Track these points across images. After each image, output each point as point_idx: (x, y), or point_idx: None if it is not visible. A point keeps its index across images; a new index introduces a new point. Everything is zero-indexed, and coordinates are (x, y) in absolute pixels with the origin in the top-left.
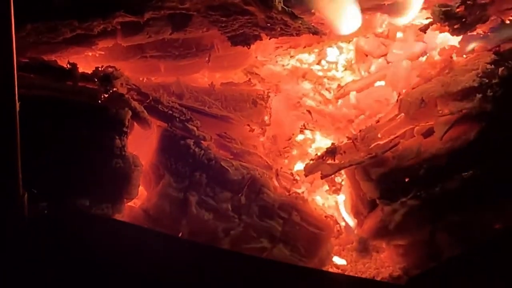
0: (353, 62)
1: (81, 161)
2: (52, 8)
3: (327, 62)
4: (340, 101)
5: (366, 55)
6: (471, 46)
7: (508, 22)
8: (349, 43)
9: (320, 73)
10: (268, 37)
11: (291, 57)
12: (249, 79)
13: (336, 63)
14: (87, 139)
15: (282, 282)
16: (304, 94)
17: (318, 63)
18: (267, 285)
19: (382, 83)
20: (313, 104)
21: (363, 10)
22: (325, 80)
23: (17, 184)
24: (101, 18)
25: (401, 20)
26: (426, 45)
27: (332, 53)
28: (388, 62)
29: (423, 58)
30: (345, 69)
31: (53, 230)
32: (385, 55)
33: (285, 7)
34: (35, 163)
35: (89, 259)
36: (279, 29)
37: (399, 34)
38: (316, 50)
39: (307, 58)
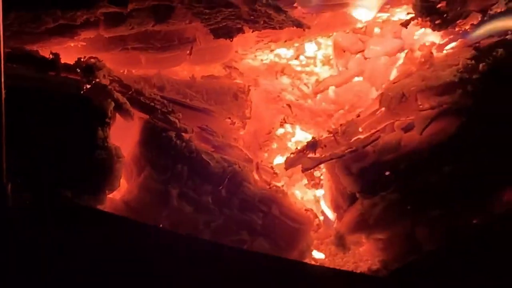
0: (331, 57)
1: (64, 152)
2: None
3: (305, 57)
4: (318, 95)
5: (344, 51)
6: (451, 41)
7: (488, 18)
8: (328, 38)
9: (299, 68)
10: (251, 30)
11: (271, 51)
12: (230, 72)
13: (314, 58)
14: (69, 130)
15: (262, 273)
16: (282, 88)
17: (297, 58)
18: (248, 276)
19: (360, 78)
20: (292, 98)
21: (345, 4)
22: (304, 75)
23: (1, 174)
24: (85, 8)
25: (382, 15)
26: (403, 41)
27: (310, 48)
28: (365, 58)
29: (401, 54)
30: (323, 65)
31: (37, 221)
32: (363, 51)
33: (269, 0)
34: (17, 154)
35: (72, 250)
36: (262, 22)
37: (377, 30)
38: (296, 45)
39: (286, 53)
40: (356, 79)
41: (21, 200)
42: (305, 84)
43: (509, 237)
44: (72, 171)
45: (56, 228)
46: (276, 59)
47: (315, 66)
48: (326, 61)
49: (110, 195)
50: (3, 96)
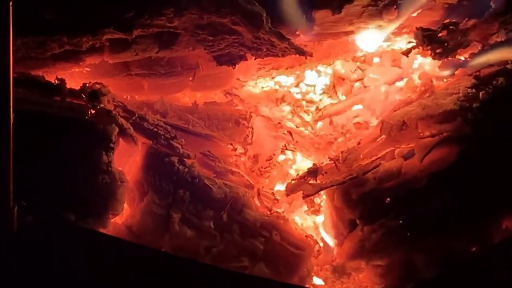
0: (330, 85)
1: (68, 175)
2: (42, 23)
3: (306, 85)
4: (319, 123)
5: (344, 79)
6: (451, 70)
7: (488, 47)
8: (328, 66)
9: (299, 96)
10: (254, 57)
11: (271, 78)
12: (231, 99)
13: (314, 86)
14: (74, 154)
15: None
16: (283, 116)
17: (297, 85)
18: None
19: (360, 106)
20: (293, 126)
21: (346, 33)
22: (304, 102)
23: (8, 197)
24: (90, 34)
25: (383, 44)
26: (402, 70)
27: (310, 76)
28: (365, 86)
29: (400, 83)
30: (323, 92)
31: (40, 244)
32: (362, 79)
33: (272, 28)
34: (23, 177)
35: (76, 272)
36: (265, 49)
37: (376, 59)
38: (297, 72)
39: (286, 80)
40: (356, 107)
41: (26, 223)
42: (305, 111)
43: (507, 265)
44: (76, 195)
45: (59, 251)
46: (277, 87)
47: (315, 94)
48: (326, 89)
49: (113, 220)
50: (11, 120)
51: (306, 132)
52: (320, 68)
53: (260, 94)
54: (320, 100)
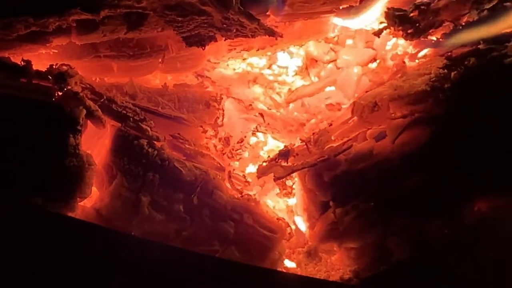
0: (303, 67)
1: (35, 159)
2: (7, 4)
3: (278, 66)
4: (291, 105)
5: (316, 61)
6: (424, 51)
7: (460, 28)
8: (300, 47)
9: (271, 78)
10: (224, 38)
11: (243, 60)
12: (202, 81)
13: (287, 67)
14: (41, 137)
15: (234, 281)
16: (255, 98)
17: (269, 67)
18: (220, 284)
19: (333, 88)
20: (265, 107)
21: (318, 13)
22: (276, 84)
23: None
24: (57, 15)
25: (355, 24)
26: (376, 51)
27: (282, 57)
28: (338, 68)
29: (373, 64)
30: (296, 74)
31: (6, 229)
32: (335, 60)
33: (242, 8)
34: None
35: (42, 257)
36: (235, 30)
37: (349, 41)
38: (268, 54)
39: (258, 62)
40: (329, 88)
41: None
42: (277, 93)
43: (480, 247)
44: (43, 178)
45: (26, 235)
46: (249, 68)
47: (287, 75)
48: (299, 71)
49: (81, 203)
50: None
51: (278, 114)
52: (293, 49)
53: (232, 76)
54: (293, 81)
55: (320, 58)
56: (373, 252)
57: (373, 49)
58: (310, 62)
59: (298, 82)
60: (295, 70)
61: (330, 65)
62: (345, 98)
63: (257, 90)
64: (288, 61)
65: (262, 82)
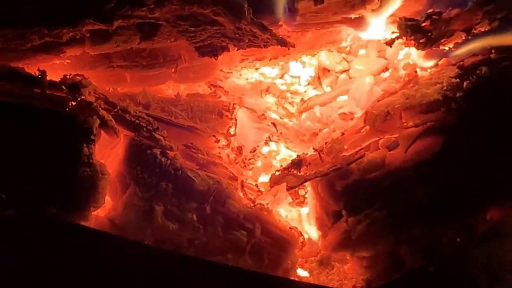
0: (315, 76)
1: (49, 168)
2: (22, 15)
3: (290, 76)
4: (303, 114)
5: (329, 70)
6: (435, 60)
7: (472, 37)
8: (313, 57)
9: (283, 87)
10: (236, 48)
11: (256, 69)
12: (215, 91)
13: (299, 77)
14: (55, 147)
15: None
16: (267, 107)
17: (282, 77)
18: None
19: (345, 97)
20: (277, 117)
21: (330, 23)
22: (288, 94)
23: None
24: (71, 25)
25: (367, 34)
26: (388, 61)
27: (295, 67)
28: (350, 77)
29: (385, 74)
30: (308, 84)
31: (20, 237)
32: (347, 70)
33: (254, 18)
34: (2, 170)
35: (57, 266)
36: (247, 40)
37: (361, 50)
38: (281, 63)
39: (271, 72)
40: (341, 98)
41: (6, 216)
42: (290, 103)
43: (491, 256)
44: (57, 188)
45: (40, 244)
46: (261, 78)
47: (300, 85)
48: (311, 80)
49: (95, 212)
50: None
51: (291, 123)
52: (305, 59)
53: (245, 86)
54: (305, 91)
55: (333, 68)
56: (386, 261)
57: (385, 58)
58: (323, 72)
59: (311, 91)
60: (307, 79)
61: (343, 75)
62: (358, 108)
63: (270, 99)
64: (300, 70)
65: (275, 92)
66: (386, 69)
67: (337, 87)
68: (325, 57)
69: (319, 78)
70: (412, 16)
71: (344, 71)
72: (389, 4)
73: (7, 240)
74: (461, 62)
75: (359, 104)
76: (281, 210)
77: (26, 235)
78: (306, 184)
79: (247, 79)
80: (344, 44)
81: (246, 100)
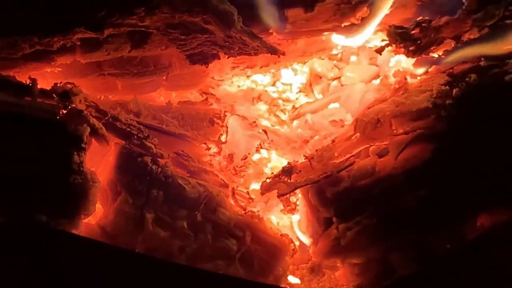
0: (307, 84)
1: (39, 176)
2: (12, 24)
3: (282, 83)
4: (295, 122)
5: (320, 77)
6: (425, 68)
7: (461, 44)
8: (304, 64)
9: (275, 95)
10: (227, 56)
11: (247, 77)
12: (206, 98)
13: (291, 84)
14: (45, 155)
15: None
16: (259, 114)
17: (273, 84)
18: None
19: (336, 105)
20: (268, 124)
21: (320, 31)
22: (280, 101)
23: None
24: (61, 34)
25: (356, 42)
26: (379, 68)
27: (286, 75)
28: (342, 85)
29: (377, 81)
30: (300, 91)
31: (11, 244)
32: (339, 77)
33: (244, 27)
34: None
35: (46, 274)
36: (237, 48)
37: (353, 57)
38: (272, 71)
39: (262, 79)
40: (332, 105)
41: None
42: (281, 110)
43: (482, 262)
44: (48, 196)
45: (31, 252)
46: (253, 86)
47: (292, 92)
48: (303, 88)
49: (86, 220)
50: None
51: (282, 130)
52: (297, 66)
53: (237, 93)
54: (297, 98)
55: (324, 75)
56: (376, 267)
57: (377, 65)
58: (314, 79)
59: (302, 99)
60: (299, 87)
61: (334, 82)
62: (349, 115)
63: (262, 107)
64: (292, 78)
65: (267, 99)
66: (378, 76)
67: (328, 94)
68: (317, 64)
69: (310, 85)
70: (401, 24)
71: (336, 78)
72: (378, 12)
73: None
74: (451, 70)
75: (350, 111)
76: (272, 217)
77: (17, 242)
78: (297, 191)
79: (238, 86)
80: (335, 51)
81: (237, 107)
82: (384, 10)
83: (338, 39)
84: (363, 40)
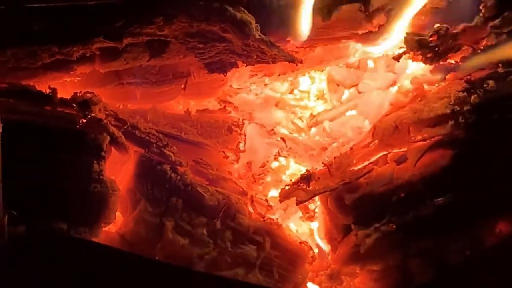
0: (325, 91)
1: (59, 185)
2: (32, 34)
3: (300, 91)
4: (313, 129)
5: (338, 85)
6: (443, 74)
7: (478, 51)
8: (322, 72)
9: (293, 102)
10: (245, 65)
11: (265, 85)
12: (224, 106)
13: (309, 92)
14: (65, 163)
15: None
16: (277, 122)
17: (291, 92)
18: None
19: (354, 112)
20: (286, 132)
21: (337, 39)
22: (298, 109)
23: None
24: (81, 43)
25: (375, 50)
26: (397, 75)
27: (304, 82)
28: (359, 92)
29: (394, 88)
30: (317, 98)
31: (31, 253)
32: (357, 85)
33: (262, 35)
34: (13, 187)
35: (67, 281)
36: (255, 56)
37: (370, 65)
38: (290, 79)
39: (280, 87)
40: (350, 112)
41: (17, 232)
42: (299, 117)
43: (502, 268)
44: (68, 204)
45: (51, 261)
46: (271, 93)
47: (309, 100)
48: (320, 95)
49: (106, 228)
50: (0, 130)
51: (300, 138)
52: (315, 74)
53: (255, 101)
54: (314, 106)
55: (342, 83)
56: (395, 274)
57: (394, 73)
58: (332, 87)
59: (320, 106)
60: (316, 94)
61: (352, 90)
62: (367, 122)
63: (279, 114)
64: (310, 85)
65: (284, 107)
66: (395, 83)
67: (346, 101)
68: (334, 71)
69: (328, 92)
70: (418, 31)
71: (353, 86)
72: (396, 19)
73: (19, 256)
74: (468, 76)
75: (368, 118)
76: (291, 225)
77: (37, 251)
78: (316, 198)
79: (256, 94)
80: (352, 59)
81: (255, 115)
82: (402, 17)
83: (356, 47)
84: (383, 47)
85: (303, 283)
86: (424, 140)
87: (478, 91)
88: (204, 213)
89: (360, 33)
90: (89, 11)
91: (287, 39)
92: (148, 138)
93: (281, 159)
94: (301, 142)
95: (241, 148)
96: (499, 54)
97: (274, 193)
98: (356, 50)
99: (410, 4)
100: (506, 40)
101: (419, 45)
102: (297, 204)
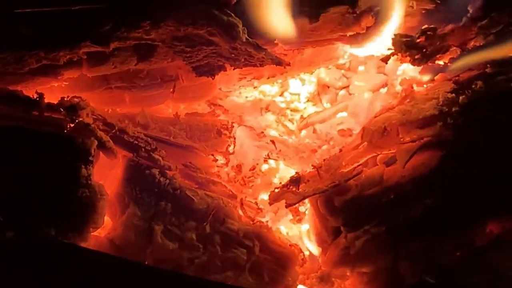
0: (315, 93)
1: (47, 190)
2: (19, 39)
3: (290, 93)
4: (303, 131)
5: (328, 87)
6: (431, 76)
7: (467, 52)
8: (311, 74)
9: (283, 105)
10: (232, 68)
11: (254, 88)
12: (213, 109)
13: (299, 94)
14: (53, 168)
15: None
16: (267, 125)
17: (281, 94)
18: None
19: (345, 114)
20: (277, 134)
21: (325, 41)
22: (288, 111)
23: None
24: (68, 48)
25: (363, 51)
26: (387, 76)
27: (294, 84)
28: (350, 94)
29: (384, 90)
30: (308, 101)
31: (19, 259)
32: (347, 87)
33: (249, 38)
34: (0, 192)
35: (55, 287)
36: (243, 59)
37: (361, 67)
38: (279, 81)
39: (270, 89)
40: (340, 114)
41: (5, 238)
42: (289, 120)
43: (492, 269)
44: (56, 209)
45: (39, 266)
46: (261, 96)
47: (300, 102)
48: (311, 97)
49: (95, 233)
50: None
51: (290, 140)
52: (305, 76)
53: (245, 104)
54: (305, 108)
55: (332, 85)
56: (386, 276)
57: (385, 74)
58: (322, 89)
59: (310, 108)
60: (307, 96)
61: (342, 91)
62: (357, 124)
63: (270, 117)
64: (300, 88)
65: (274, 109)
66: (386, 85)
67: (336, 103)
68: (324, 73)
69: (318, 94)
70: (406, 32)
71: (344, 88)
72: (384, 21)
73: (7, 262)
74: (457, 77)
75: (359, 121)
76: (281, 227)
77: (25, 257)
78: (306, 200)
79: (246, 97)
80: (341, 61)
81: (245, 118)
82: (390, 18)
83: (345, 49)
84: (372, 49)
85: (294, 286)
86: (413, 141)
87: (466, 92)
88: (193, 217)
89: (348, 35)
90: (75, 16)
91: (275, 41)
92: (136, 142)
93: (271, 161)
94: (291, 145)
95: (231, 151)
96: (487, 54)
97: (264, 196)
98: (346, 52)
99: (397, 5)
100: (494, 40)
101: (407, 46)
102: (286, 206)
